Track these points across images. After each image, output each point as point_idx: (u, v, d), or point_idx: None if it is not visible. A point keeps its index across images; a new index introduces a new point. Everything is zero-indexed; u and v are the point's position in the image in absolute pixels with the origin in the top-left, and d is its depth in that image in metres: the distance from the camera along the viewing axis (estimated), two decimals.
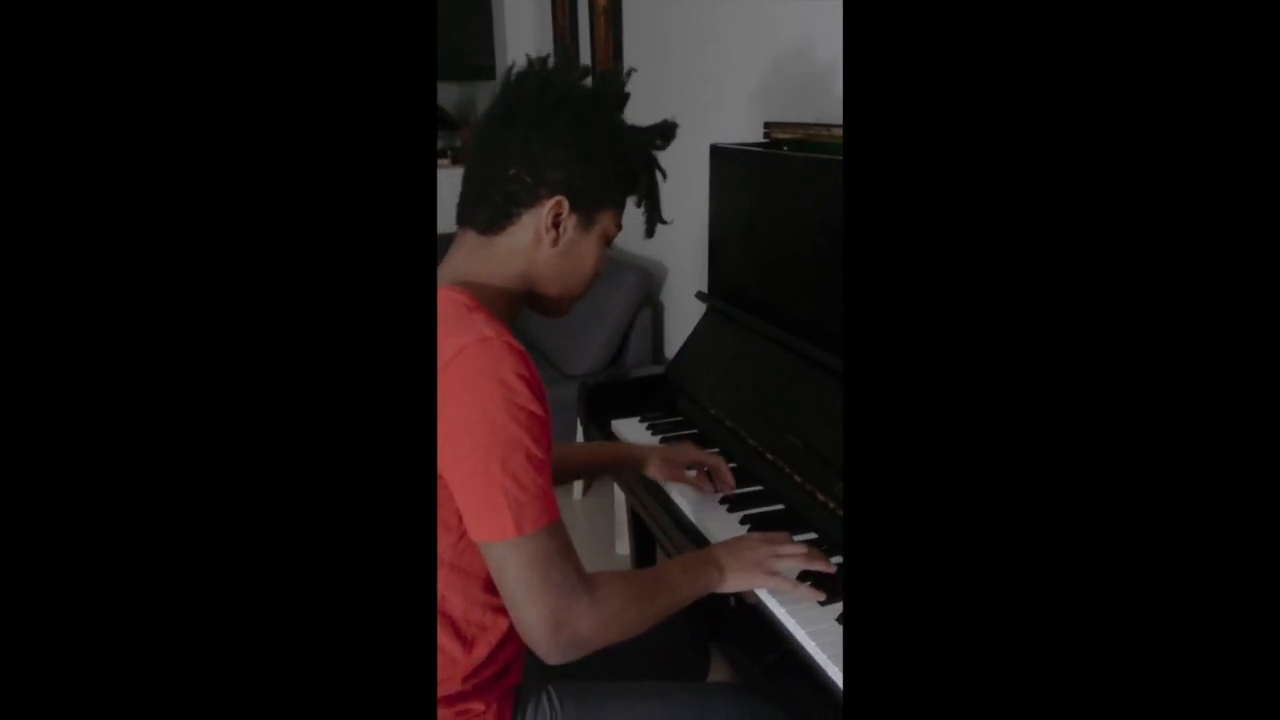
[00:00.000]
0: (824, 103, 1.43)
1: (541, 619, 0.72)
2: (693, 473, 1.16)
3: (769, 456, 1.17)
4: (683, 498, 1.13)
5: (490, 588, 0.79)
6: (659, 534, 1.11)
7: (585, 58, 2.61)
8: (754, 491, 1.14)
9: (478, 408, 0.71)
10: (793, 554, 0.91)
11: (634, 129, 0.87)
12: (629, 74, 0.88)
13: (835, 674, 0.80)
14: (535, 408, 0.73)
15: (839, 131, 1.20)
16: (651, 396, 1.46)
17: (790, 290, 1.28)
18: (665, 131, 0.88)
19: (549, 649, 0.73)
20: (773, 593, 0.90)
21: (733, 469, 1.20)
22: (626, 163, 0.86)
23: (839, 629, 0.85)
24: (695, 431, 1.33)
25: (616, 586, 0.78)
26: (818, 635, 0.84)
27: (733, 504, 1.10)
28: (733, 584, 0.89)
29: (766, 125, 1.35)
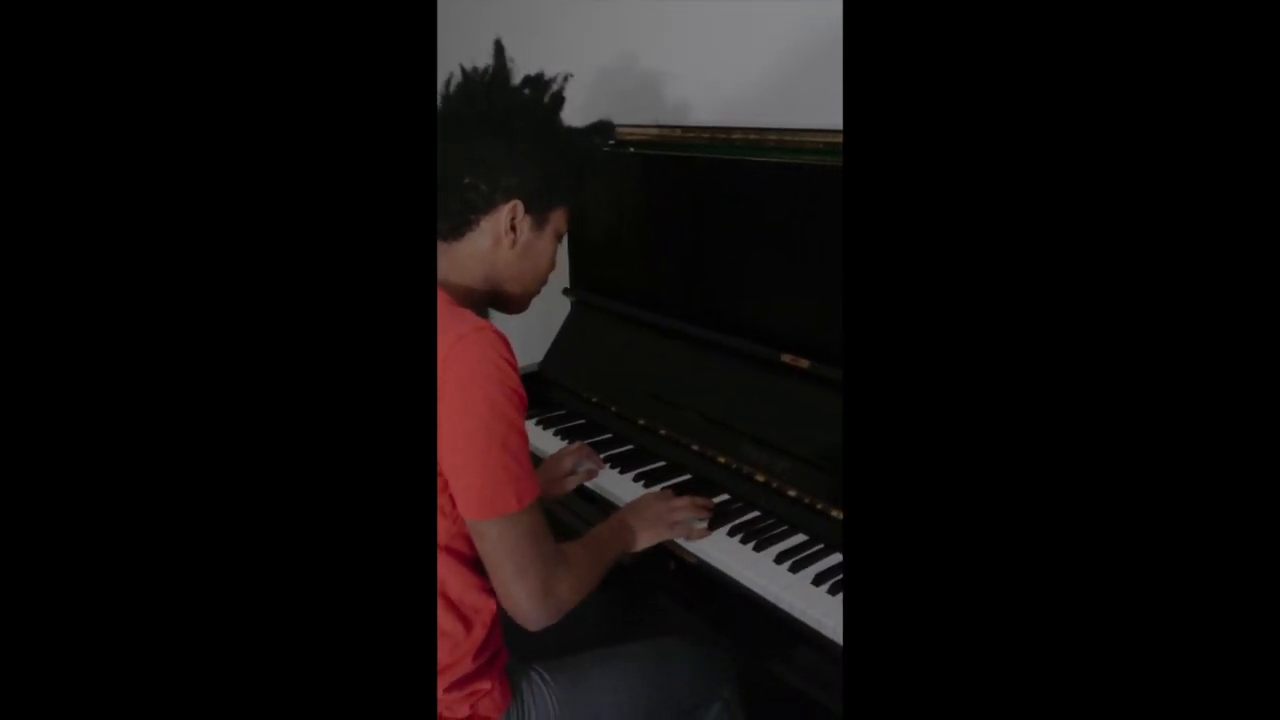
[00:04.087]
0: (656, 106, 1.55)
1: (531, 589, 0.80)
2: (574, 474, 1.22)
3: (663, 432, 1.28)
4: (612, 488, 1.20)
5: (479, 569, 0.85)
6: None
7: None
8: (659, 467, 1.24)
9: (480, 392, 0.76)
10: (682, 505, 1.05)
11: (575, 130, 0.95)
12: (566, 78, 0.94)
13: (766, 595, 0.94)
14: (522, 390, 0.80)
15: (689, 133, 1.32)
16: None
17: (655, 276, 1.39)
18: (603, 129, 0.97)
19: (538, 615, 0.81)
20: (709, 554, 1.02)
21: (629, 450, 1.30)
22: (572, 163, 0.93)
23: (778, 568, 0.98)
24: (583, 421, 1.41)
25: (578, 553, 0.87)
26: (763, 576, 0.97)
27: (647, 480, 1.20)
28: (645, 540, 1.01)
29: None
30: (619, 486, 1.20)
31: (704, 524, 1.05)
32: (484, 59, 0.94)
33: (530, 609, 0.80)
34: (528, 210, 0.90)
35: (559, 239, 0.96)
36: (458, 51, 0.94)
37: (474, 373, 0.77)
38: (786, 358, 1.12)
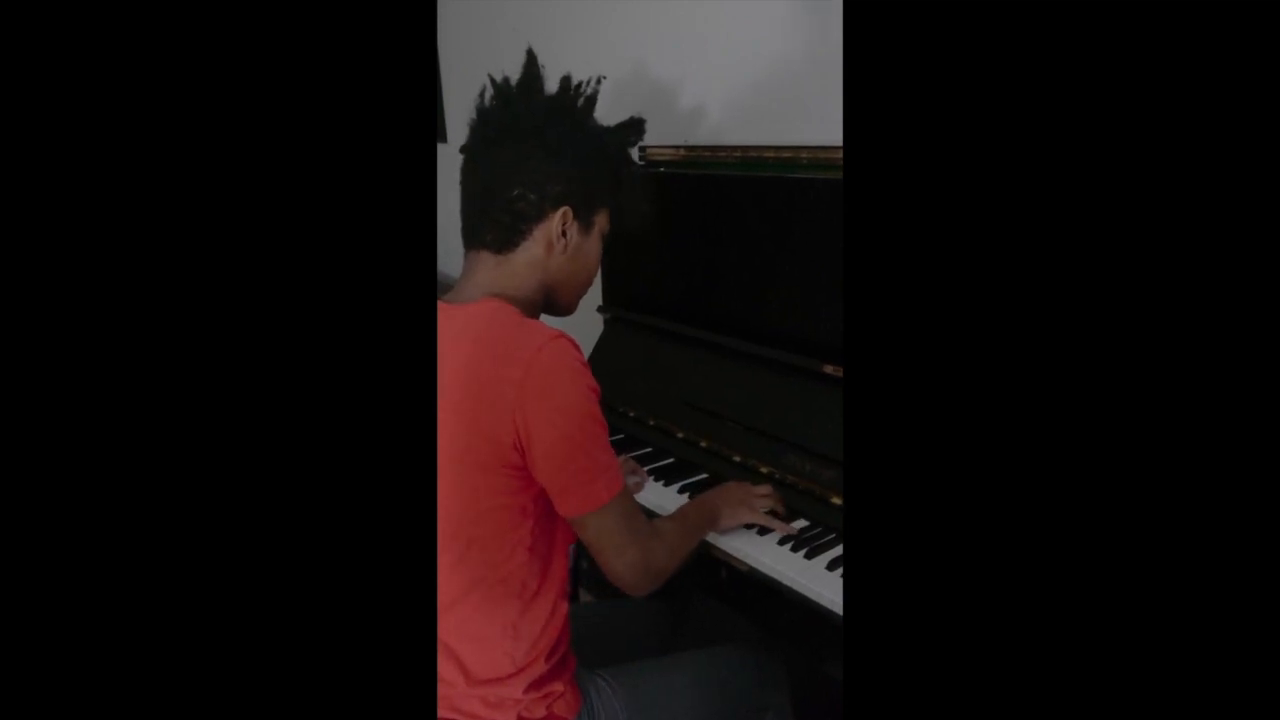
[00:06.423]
0: (672, 118, 1.58)
1: (633, 562, 0.87)
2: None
3: (704, 444, 1.30)
4: (657, 500, 1.22)
5: (557, 571, 0.89)
6: None
7: None
8: (702, 480, 1.26)
9: (565, 398, 0.81)
10: (764, 494, 1.10)
11: (610, 130, 0.98)
12: (599, 80, 0.97)
13: (822, 601, 0.96)
14: (596, 385, 0.84)
15: (721, 153, 1.35)
16: None
17: (691, 291, 1.42)
18: (636, 127, 1.00)
19: (641, 583, 0.89)
20: (762, 562, 1.04)
21: (669, 464, 1.32)
22: (611, 163, 0.96)
23: (830, 575, 1.00)
24: (622, 436, 1.43)
25: (667, 526, 0.94)
26: (816, 583, 0.99)
27: (691, 492, 1.22)
28: (729, 521, 1.05)
29: (642, 148, 1.47)
30: (663, 499, 1.22)
31: (784, 509, 1.10)
32: (490, 69, 0.96)
33: (632, 578, 0.88)
34: (575, 215, 0.93)
35: (604, 238, 1.00)
36: (467, 57, 0.95)
37: (557, 381, 0.81)
38: (828, 368, 1.15)
